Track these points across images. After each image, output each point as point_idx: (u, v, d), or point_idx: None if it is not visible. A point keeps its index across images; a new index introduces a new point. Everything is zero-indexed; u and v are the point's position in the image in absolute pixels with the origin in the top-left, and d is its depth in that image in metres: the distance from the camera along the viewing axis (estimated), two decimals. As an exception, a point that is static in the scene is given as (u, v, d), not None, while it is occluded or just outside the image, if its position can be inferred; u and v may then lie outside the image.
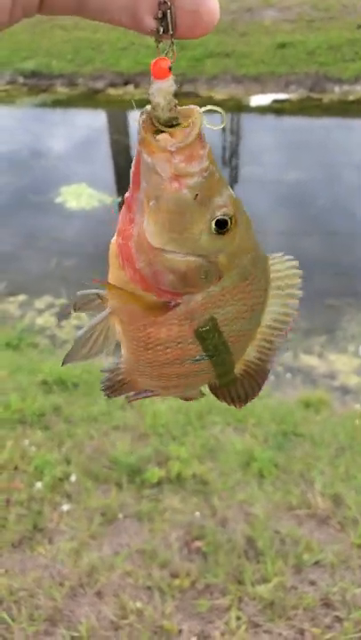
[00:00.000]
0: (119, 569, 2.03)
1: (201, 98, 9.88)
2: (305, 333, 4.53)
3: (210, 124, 0.47)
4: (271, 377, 4.13)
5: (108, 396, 0.66)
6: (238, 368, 0.61)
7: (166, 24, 0.43)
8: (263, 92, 9.88)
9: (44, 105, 9.96)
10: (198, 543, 2.17)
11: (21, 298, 4.88)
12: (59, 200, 6.67)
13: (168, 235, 0.48)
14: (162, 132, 0.46)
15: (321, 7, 11.34)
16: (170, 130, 0.45)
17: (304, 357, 4.29)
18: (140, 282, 0.51)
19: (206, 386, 0.66)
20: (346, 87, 9.85)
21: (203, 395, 0.70)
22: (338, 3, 11.28)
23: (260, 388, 0.63)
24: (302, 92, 9.89)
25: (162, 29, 0.44)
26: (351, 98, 9.65)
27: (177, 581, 1.99)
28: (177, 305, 0.52)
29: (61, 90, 10.39)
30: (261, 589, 1.97)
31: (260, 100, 9.73)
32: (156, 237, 0.48)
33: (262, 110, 9.54)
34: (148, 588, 1.96)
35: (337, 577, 2.05)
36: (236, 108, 9.66)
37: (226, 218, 0.49)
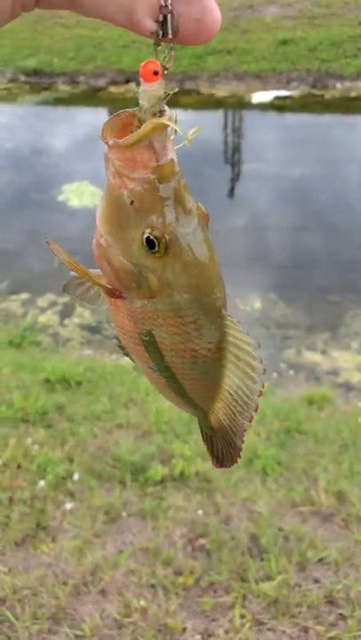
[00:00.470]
0: (123, 567, 2.02)
1: (202, 95, 9.86)
2: (308, 330, 4.52)
3: (179, 139, 0.46)
4: (274, 374, 4.13)
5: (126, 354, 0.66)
6: (214, 421, 0.60)
7: (166, 28, 0.44)
8: (265, 88, 9.85)
9: (45, 103, 9.95)
10: (202, 541, 2.16)
11: (24, 296, 4.88)
12: (61, 198, 6.67)
13: (107, 225, 0.49)
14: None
15: (322, 3, 11.29)
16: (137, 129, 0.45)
17: (307, 354, 4.28)
18: (96, 261, 0.52)
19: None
20: (348, 83, 9.81)
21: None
22: (340, -1, 11.22)
23: (232, 460, 0.62)
24: (304, 88, 9.85)
25: (161, 33, 0.44)
26: (353, 94, 9.61)
27: (181, 579, 1.99)
28: (122, 297, 0.52)
29: (63, 88, 10.37)
30: (265, 587, 1.97)
31: (261, 96, 9.70)
32: (101, 223, 0.49)
33: (264, 107, 9.52)
34: (152, 586, 1.96)
35: (341, 574, 2.05)
36: (238, 104, 9.63)
37: (153, 239, 0.47)
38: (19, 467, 2.47)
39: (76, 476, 2.43)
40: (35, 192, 6.93)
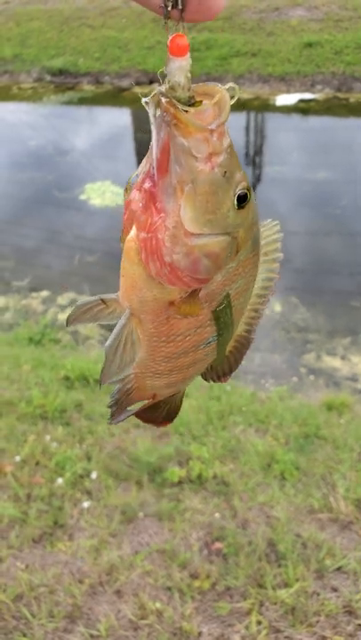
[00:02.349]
0: (139, 568, 2.01)
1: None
2: (328, 335, 4.46)
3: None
4: (294, 378, 4.08)
5: (112, 418, 0.65)
6: (230, 345, 0.62)
7: (176, 2, 0.44)
8: (289, 91, 9.79)
9: (70, 103, 10.02)
10: (219, 544, 2.14)
11: (44, 294, 4.91)
12: (83, 197, 6.70)
13: (205, 217, 0.47)
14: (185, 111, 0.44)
15: (349, 6, 11.17)
16: (193, 109, 0.44)
17: (327, 359, 4.23)
18: (169, 275, 0.49)
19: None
20: (373, 87, 9.69)
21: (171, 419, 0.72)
22: (367, 1, 11.10)
23: (242, 358, 0.65)
24: (329, 91, 9.76)
25: (171, 5, 0.44)
26: (379, 98, 9.49)
27: (197, 583, 1.97)
28: (199, 291, 0.51)
29: (88, 88, 10.44)
30: (283, 594, 1.94)
31: (285, 99, 9.63)
32: (194, 222, 0.47)
33: (288, 110, 9.45)
34: (168, 588, 1.95)
35: (360, 584, 2.01)
36: (262, 107, 9.58)
37: (246, 192, 0.49)
38: (37, 464, 2.48)
39: (93, 475, 2.43)
40: (57, 191, 6.98)
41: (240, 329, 0.61)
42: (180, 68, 0.43)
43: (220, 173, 0.46)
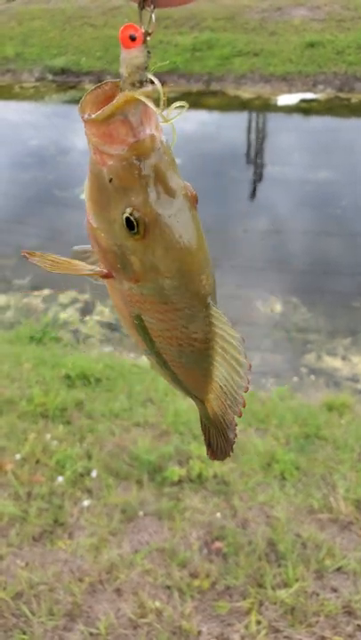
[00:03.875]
0: (139, 567, 2.01)
1: (228, 96, 9.83)
2: (329, 335, 4.46)
3: (167, 115, 0.42)
4: (294, 378, 4.08)
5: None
6: (209, 411, 0.58)
7: None
8: (291, 91, 9.78)
9: (72, 102, 10.03)
10: (219, 544, 2.14)
11: (46, 292, 4.92)
12: (84, 196, 6.70)
13: (92, 205, 0.47)
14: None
15: (351, 6, 11.17)
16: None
17: (327, 359, 4.23)
18: (89, 239, 0.51)
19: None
20: (375, 87, 9.68)
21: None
22: (369, 1, 11.10)
23: (225, 453, 0.60)
24: (330, 91, 9.76)
25: None
26: (381, 98, 9.49)
27: (196, 582, 1.97)
28: (112, 277, 0.50)
29: (90, 87, 10.40)
30: (282, 594, 1.94)
31: (287, 99, 9.63)
32: (87, 202, 0.48)
33: (289, 110, 9.45)
34: (168, 587, 1.95)
35: (360, 585, 2.01)
36: (264, 107, 9.58)
37: (132, 219, 0.45)
38: (37, 462, 2.48)
39: (94, 474, 2.43)
40: (58, 190, 6.99)
41: (215, 405, 0.57)
42: (123, 60, 0.42)
43: (106, 174, 0.44)
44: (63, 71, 10.74)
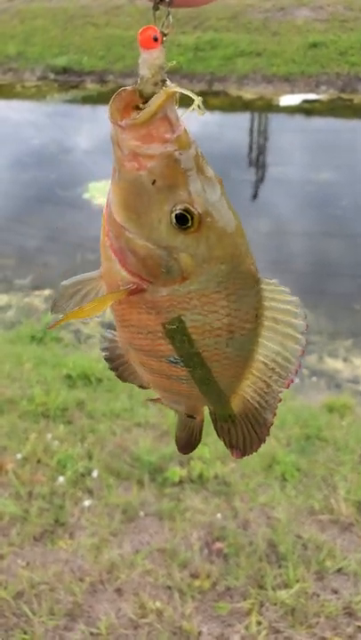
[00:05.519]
0: (139, 567, 2.02)
1: (230, 97, 9.83)
2: (330, 336, 4.46)
3: (193, 109, 0.43)
4: (295, 379, 4.08)
5: (111, 369, 0.65)
6: (236, 405, 0.57)
7: None
8: (293, 91, 9.78)
9: (73, 101, 10.03)
10: (219, 545, 2.14)
11: (47, 292, 4.92)
12: (86, 196, 6.71)
13: (126, 213, 0.46)
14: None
15: (355, 7, 11.16)
16: (144, 106, 0.43)
17: (329, 361, 4.23)
18: (114, 254, 0.49)
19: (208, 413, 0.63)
20: (378, 88, 9.68)
21: (202, 416, 0.68)
22: (372, 2, 11.10)
23: (259, 441, 0.58)
24: (333, 92, 9.75)
25: None
26: (383, 99, 9.48)
27: (197, 582, 1.97)
28: (143, 290, 0.49)
29: (92, 86, 10.45)
30: (283, 595, 1.94)
31: (289, 100, 9.63)
32: (117, 212, 0.47)
33: (292, 110, 9.45)
34: (168, 587, 1.95)
35: (360, 586, 2.01)
36: (266, 107, 9.58)
37: (185, 214, 0.44)
38: (38, 461, 2.49)
39: (95, 474, 2.44)
40: (60, 189, 6.99)
41: (248, 394, 0.56)
42: (144, 61, 0.43)
43: (147, 179, 0.44)
44: (65, 70, 10.74)
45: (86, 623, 1.82)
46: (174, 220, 0.45)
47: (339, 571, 2.07)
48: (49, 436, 2.66)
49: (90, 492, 2.35)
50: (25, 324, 4.27)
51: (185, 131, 0.43)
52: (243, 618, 1.87)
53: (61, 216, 6.39)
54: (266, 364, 0.54)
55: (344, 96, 9.66)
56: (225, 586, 1.97)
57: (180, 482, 2.43)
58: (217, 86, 9.93)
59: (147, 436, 2.73)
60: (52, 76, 10.82)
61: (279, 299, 0.51)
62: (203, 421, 0.69)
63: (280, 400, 0.55)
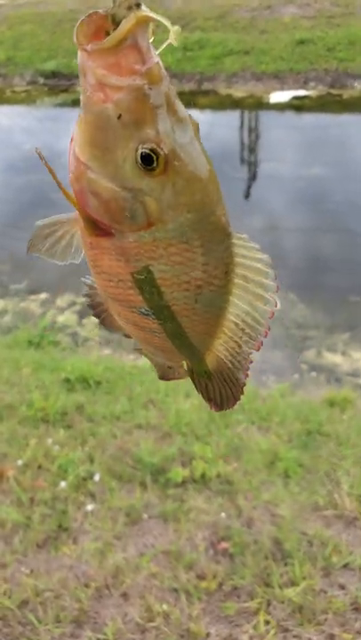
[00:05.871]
0: (145, 570, 2.00)
1: (220, 95, 9.82)
2: (328, 330, 4.46)
3: (170, 42, 0.41)
4: (295, 375, 4.07)
5: (94, 316, 0.65)
6: (211, 362, 0.57)
7: None
8: (283, 88, 9.78)
9: (64, 105, 10.01)
10: (224, 544, 2.13)
11: (43, 296, 4.90)
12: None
13: (90, 150, 0.44)
14: None
15: (341, 3, 11.18)
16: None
17: (327, 355, 4.22)
18: (75, 197, 0.47)
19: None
20: (366, 83, 9.69)
21: (182, 376, 0.66)
22: (358, -3, 11.11)
23: (235, 399, 0.58)
24: (322, 88, 9.76)
25: None
26: (372, 93, 9.50)
27: (204, 583, 1.96)
28: (110, 234, 0.47)
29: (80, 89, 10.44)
30: (290, 592, 1.93)
31: (279, 96, 9.63)
32: (81, 149, 0.44)
33: (282, 107, 9.45)
34: (175, 590, 1.93)
35: (367, 581, 2.00)
36: (256, 105, 9.57)
37: (151, 154, 0.41)
38: (39, 467, 2.47)
39: (96, 477, 2.42)
40: (54, 193, 6.95)
41: (221, 353, 0.55)
42: None
43: (113, 112, 0.41)
44: (54, 74, 10.71)
45: (93, 629, 1.80)
46: (139, 160, 0.42)
47: (345, 566, 2.06)
48: (49, 440, 2.64)
49: (92, 496, 2.34)
50: (22, 329, 4.25)
51: (157, 64, 0.40)
52: (251, 617, 1.86)
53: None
54: (236, 324, 0.52)
55: (333, 91, 9.66)
56: (232, 586, 1.96)
57: (183, 482, 2.41)
58: (206, 85, 9.92)
59: (148, 437, 2.71)
60: (41, 80, 10.79)
61: (250, 256, 0.49)
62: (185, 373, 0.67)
63: (251, 361, 0.54)
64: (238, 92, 9.81)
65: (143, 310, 0.52)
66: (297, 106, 9.42)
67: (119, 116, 0.41)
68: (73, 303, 4.77)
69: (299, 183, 7.02)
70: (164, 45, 0.42)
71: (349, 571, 2.05)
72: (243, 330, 0.52)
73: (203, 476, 2.43)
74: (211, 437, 2.71)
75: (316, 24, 10.78)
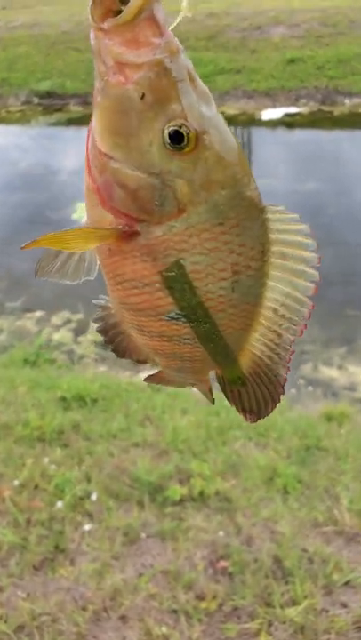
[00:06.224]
0: (143, 591, 1.97)
1: (212, 113, 9.95)
2: (324, 345, 4.46)
3: (182, 8, 0.39)
4: (291, 390, 4.06)
5: (106, 344, 0.59)
6: (246, 364, 0.52)
7: None
8: (274, 106, 9.93)
9: (58, 124, 10.12)
10: (224, 563, 2.10)
11: (38, 314, 4.89)
12: (75, 216, 6.72)
13: (112, 138, 0.41)
14: None
15: (329, 23, 11.42)
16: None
17: (324, 369, 4.22)
18: (97, 194, 0.44)
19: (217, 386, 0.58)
20: (356, 100, 9.86)
21: (208, 384, 0.61)
22: (345, 18, 11.35)
23: (274, 402, 0.53)
24: (313, 105, 9.92)
25: None
26: (362, 110, 9.67)
27: (203, 604, 1.92)
28: (136, 233, 0.44)
29: (75, 108, 10.56)
30: (291, 612, 1.90)
31: (271, 114, 9.77)
32: (102, 139, 0.41)
33: (274, 124, 9.58)
34: (174, 611, 1.90)
35: (369, 599, 1.97)
36: (248, 122, 9.71)
37: (181, 130, 0.39)
38: (36, 487, 2.44)
39: (94, 496, 2.39)
40: (49, 210, 7.00)
41: (257, 349, 0.50)
42: None
43: (135, 93, 0.39)
44: (49, 94, 10.85)
45: (91, 653, 1.76)
46: (167, 140, 0.40)
47: (347, 584, 2.03)
48: (46, 460, 2.62)
49: (90, 516, 2.31)
50: (18, 347, 4.23)
51: (173, 36, 0.39)
52: (252, 639, 1.82)
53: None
54: (275, 310, 0.48)
55: (325, 108, 9.82)
56: (232, 606, 1.93)
57: (181, 500, 2.39)
58: (199, 104, 10.06)
59: (145, 455, 2.69)
60: (35, 100, 10.92)
61: (287, 229, 0.45)
62: (210, 389, 0.63)
63: (293, 352, 0.49)
64: (231, 109, 9.95)
65: (173, 314, 0.48)
66: (289, 122, 9.56)
67: (142, 96, 0.39)
68: (68, 321, 4.76)
69: (293, 198, 7.09)
70: (179, 18, 0.41)
71: (351, 588, 2.02)
72: (283, 316, 0.48)
73: (201, 493, 2.41)
74: (208, 454, 2.69)
75: (305, 43, 10.99)
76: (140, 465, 2.57)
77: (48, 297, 5.12)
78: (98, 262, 0.51)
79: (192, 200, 0.42)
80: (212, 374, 0.59)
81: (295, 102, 9.97)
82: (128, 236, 0.44)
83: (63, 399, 3.17)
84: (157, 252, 0.44)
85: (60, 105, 10.68)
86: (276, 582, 2.01)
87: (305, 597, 1.95)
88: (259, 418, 0.55)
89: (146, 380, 0.64)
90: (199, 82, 0.41)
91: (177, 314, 0.48)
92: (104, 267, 0.49)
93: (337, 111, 9.72)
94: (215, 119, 0.41)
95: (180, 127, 0.39)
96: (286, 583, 2.01)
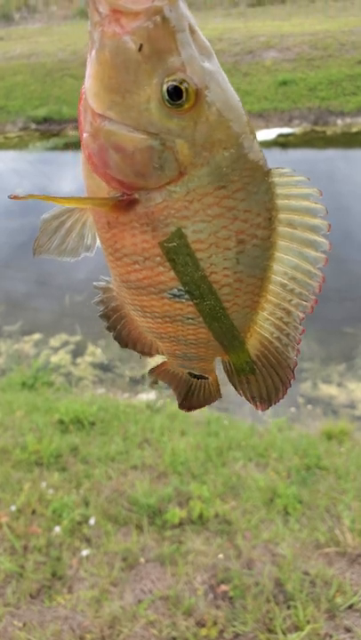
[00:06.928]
0: (142, 618, 1.93)
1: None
2: (323, 362, 4.45)
3: None
4: (291, 408, 4.04)
5: (108, 330, 0.55)
6: (254, 347, 0.49)
7: None
8: (268, 126, 10.10)
9: (55, 148, 10.27)
10: (224, 587, 2.06)
11: (36, 337, 4.89)
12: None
13: (108, 96, 0.38)
14: None
15: (320, 46, 11.68)
16: None
17: (323, 387, 4.20)
18: (90, 162, 0.41)
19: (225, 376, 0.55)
20: (348, 119, 10.03)
21: (214, 375, 0.58)
22: (336, 41, 11.62)
23: (285, 387, 0.50)
24: (306, 125, 10.09)
25: None
26: (354, 130, 9.82)
27: (203, 631, 1.88)
28: (134, 202, 0.41)
29: (72, 133, 10.73)
30: (294, 639, 1.85)
31: (265, 134, 9.92)
32: (95, 98, 0.38)
33: (268, 144, 9.73)
34: (174, 639, 1.86)
35: (374, 622, 1.93)
36: (242, 143, 9.86)
37: (180, 85, 0.36)
38: (33, 512, 2.41)
39: (92, 521, 2.36)
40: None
41: (265, 330, 0.48)
42: None
43: (131, 44, 0.35)
44: (46, 120, 11.04)
45: None
46: (166, 96, 0.36)
47: (350, 607, 1.99)
48: (43, 484, 2.59)
49: (88, 541, 2.27)
50: (16, 371, 4.22)
51: None
52: (254, 666, 1.78)
53: (48, 260, 6.42)
54: (284, 285, 0.44)
55: (317, 128, 9.99)
56: (233, 633, 1.88)
57: (180, 523, 2.35)
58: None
59: (143, 478, 2.66)
60: (33, 125, 11.11)
61: (295, 194, 0.42)
62: (216, 380, 0.58)
63: (303, 331, 0.46)
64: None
65: (175, 291, 0.45)
66: (283, 143, 9.71)
67: (140, 47, 0.36)
68: (66, 343, 4.76)
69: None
70: None
71: (355, 612, 1.98)
72: (292, 290, 0.45)
73: (200, 516, 2.37)
74: (207, 476, 2.67)
75: (296, 66, 11.23)
76: (138, 488, 2.54)
77: (46, 319, 5.13)
78: (97, 239, 0.49)
79: (193, 162, 0.39)
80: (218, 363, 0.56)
81: (288, 123, 10.14)
82: (126, 205, 0.41)
83: (61, 422, 3.15)
84: (157, 220, 0.41)
85: (56, 130, 10.86)
86: (278, 607, 1.97)
87: (308, 622, 1.90)
88: (270, 405, 0.52)
89: (150, 372, 0.61)
90: (200, 34, 0.37)
91: (179, 290, 0.45)
92: (103, 242, 0.47)
93: (330, 131, 9.88)
94: (217, 74, 0.38)
95: (180, 82, 0.36)
96: (288, 607, 1.97)
